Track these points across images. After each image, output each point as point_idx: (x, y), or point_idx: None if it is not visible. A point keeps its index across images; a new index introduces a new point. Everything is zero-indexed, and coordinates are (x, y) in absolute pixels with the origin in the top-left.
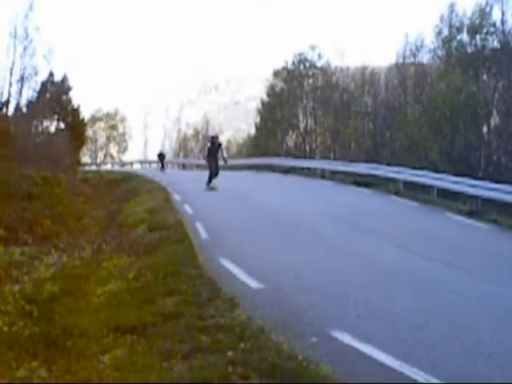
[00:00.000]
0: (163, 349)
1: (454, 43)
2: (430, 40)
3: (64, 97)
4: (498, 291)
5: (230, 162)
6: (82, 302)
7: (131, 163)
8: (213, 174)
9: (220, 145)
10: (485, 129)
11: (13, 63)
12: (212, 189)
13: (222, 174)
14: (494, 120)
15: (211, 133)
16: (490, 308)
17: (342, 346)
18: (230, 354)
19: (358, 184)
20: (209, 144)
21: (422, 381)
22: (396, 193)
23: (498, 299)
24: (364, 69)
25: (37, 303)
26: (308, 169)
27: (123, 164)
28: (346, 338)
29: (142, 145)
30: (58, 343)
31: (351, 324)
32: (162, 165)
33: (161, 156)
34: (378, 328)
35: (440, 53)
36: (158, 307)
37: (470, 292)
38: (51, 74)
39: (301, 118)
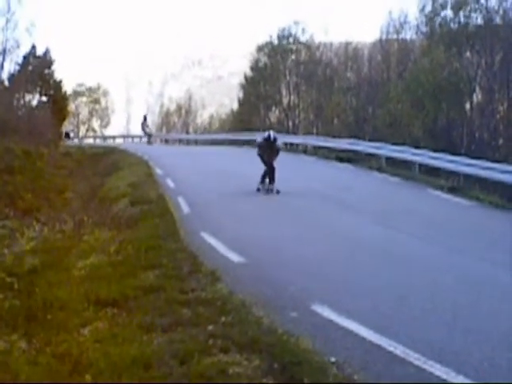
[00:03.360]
0: (144, 322)
1: (438, 19)
2: (414, 16)
3: (46, 70)
4: (477, 267)
5: (212, 136)
6: (63, 275)
7: (113, 137)
8: None
9: None
10: (467, 106)
11: None
12: None
13: (204, 149)
14: (477, 97)
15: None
16: (468, 283)
17: (322, 320)
18: (210, 327)
19: (340, 160)
20: None
21: (401, 354)
22: (378, 169)
23: (476, 275)
24: (347, 44)
25: (17, 276)
26: (291, 144)
27: (105, 138)
28: (326, 312)
29: (124, 119)
30: (39, 316)
31: (331, 298)
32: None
33: (269, 144)
34: (357, 302)
35: (423, 29)
36: (139, 281)
37: (449, 268)
38: (33, 48)
39: (284, 93)
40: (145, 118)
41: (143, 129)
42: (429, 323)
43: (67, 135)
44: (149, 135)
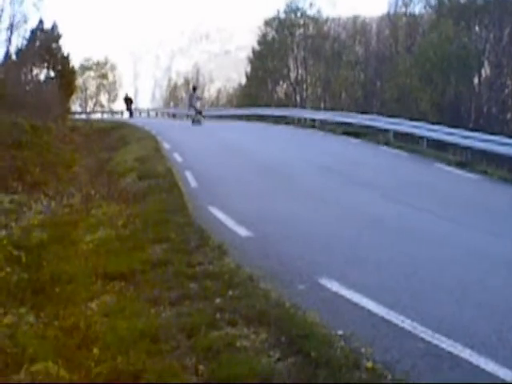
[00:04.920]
0: (151, 295)
1: None
2: None
3: (54, 45)
4: (487, 241)
5: (220, 111)
6: (71, 249)
7: (121, 112)
8: None
9: None
10: (476, 80)
11: (2, 10)
12: None
13: (212, 123)
14: (485, 71)
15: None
16: (478, 258)
17: (330, 293)
18: (218, 301)
19: (348, 134)
20: None
21: (409, 328)
22: (386, 143)
23: (486, 249)
24: (355, 18)
25: (25, 249)
26: (298, 119)
27: (113, 113)
28: (334, 286)
29: (132, 94)
30: (46, 289)
31: (339, 272)
32: None
33: None
34: (365, 277)
35: (432, 3)
36: (147, 254)
37: (458, 242)
38: (41, 22)
39: (292, 67)
40: (194, 89)
41: (191, 104)
42: (437, 298)
43: (128, 104)
44: (199, 112)
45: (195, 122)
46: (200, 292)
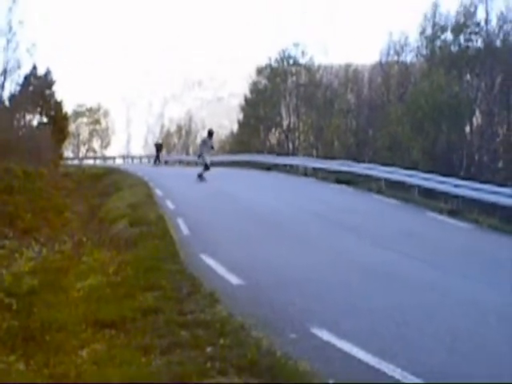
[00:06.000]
0: (142, 344)
1: (438, 42)
2: (414, 38)
3: (47, 91)
4: (477, 290)
5: (213, 158)
6: (62, 296)
7: (114, 158)
8: None
9: None
10: (467, 128)
11: None
12: None
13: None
14: (477, 120)
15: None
16: (468, 306)
17: (321, 342)
18: (209, 349)
19: (340, 182)
20: None
21: (398, 377)
22: (378, 191)
23: (476, 298)
24: (347, 67)
25: (16, 296)
26: (291, 166)
27: (105, 159)
28: (325, 335)
29: (124, 140)
30: (37, 337)
31: (330, 321)
32: None
33: None
34: (356, 325)
35: (424, 52)
36: (138, 302)
37: (447, 290)
38: (34, 68)
39: (284, 115)
40: (210, 134)
41: (202, 152)
42: (428, 346)
43: (158, 151)
44: (206, 165)
45: (201, 178)
46: (191, 340)
